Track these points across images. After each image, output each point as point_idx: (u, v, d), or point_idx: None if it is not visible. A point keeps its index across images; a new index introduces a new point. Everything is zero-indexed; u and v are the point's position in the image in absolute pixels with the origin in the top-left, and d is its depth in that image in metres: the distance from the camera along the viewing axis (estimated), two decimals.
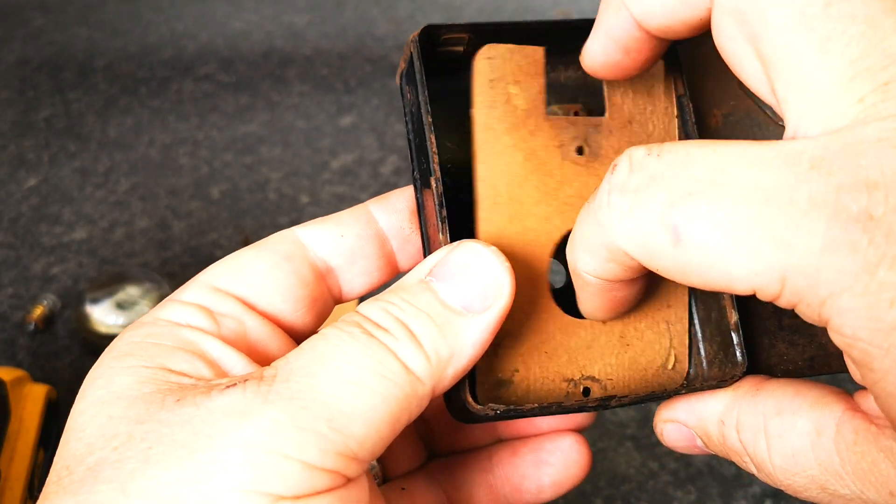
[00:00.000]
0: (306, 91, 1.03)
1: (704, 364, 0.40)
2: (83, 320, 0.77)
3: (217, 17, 1.12)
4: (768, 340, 0.40)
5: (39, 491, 0.63)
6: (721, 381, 0.37)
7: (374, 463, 0.41)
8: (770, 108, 0.43)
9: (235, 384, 0.29)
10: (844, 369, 0.37)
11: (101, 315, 0.77)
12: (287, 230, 0.38)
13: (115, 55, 1.08)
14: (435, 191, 0.36)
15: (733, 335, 0.38)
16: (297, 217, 0.89)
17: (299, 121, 1.00)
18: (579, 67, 0.42)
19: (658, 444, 0.71)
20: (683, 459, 0.71)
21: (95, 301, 0.77)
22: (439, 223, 0.36)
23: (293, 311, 0.36)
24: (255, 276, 0.36)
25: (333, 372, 0.29)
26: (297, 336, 0.37)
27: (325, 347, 0.30)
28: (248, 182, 0.93)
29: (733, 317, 0.38)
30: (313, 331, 0.37)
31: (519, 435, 0.43)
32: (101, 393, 0.31)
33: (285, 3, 1.14)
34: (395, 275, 0.39)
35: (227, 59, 1.07)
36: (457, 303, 0.32)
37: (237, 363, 0.33)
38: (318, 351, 0.30)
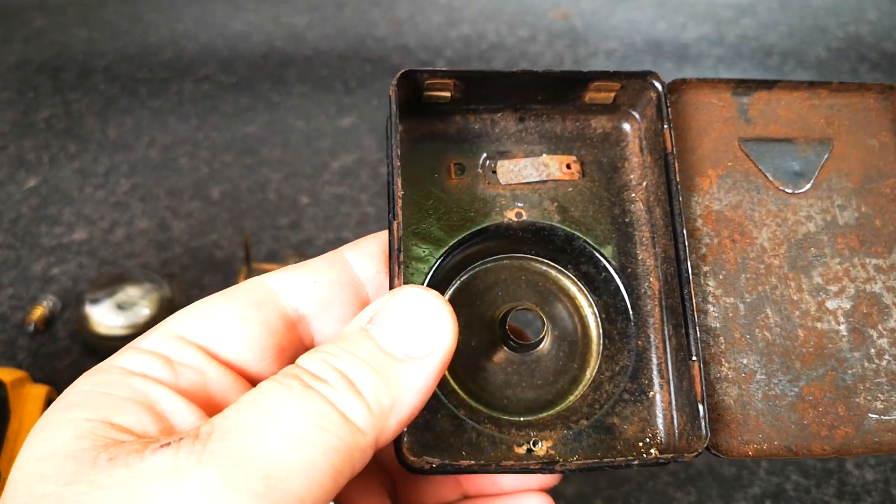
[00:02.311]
0: (306, 92, 1.03)
1: (677, 435, 0.40)
2: (83, 321, 0.77)
3: (217, 19, 1.12)
4: (743, 416, 0.39)
5: None
6: (677, 454, 0.37)
7: None
8: (773, 169, 0.43)
9: (170, 444, 0.28)
10: (826, 454, 0.38)
11: (101, 316, 0.77)
12: (259, 277, 0.37)
13: (116, 56, 1.08)
14: (395, 235, 0.37)
15: (700, 408, 0.38)
16: (296, 217, 0.89)
17: (299, 121, 1.00)
18: (577, 118, 0.43)
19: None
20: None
21: (95, 302, 0.77)
22: (395, 268, 0.36)
23: (259, 360, 0.35)
24: (221, 325, 0.35)
25: (270, 426, 0.28)
26: None
27: (262, 401, 0.29)
28: (248, 183, 0.93)
29: (699, 388, 0.38)
30: None
31: (483, 492, 0.42)
32: (38, 448, 0.30)
33: (285, 4, 1.14)
34: None
35: (227, 60, 1.07)
36: (397, 350, 0.32)
37: (190, 416, 0.32)
38: (254, 405, 0.29)
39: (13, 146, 0.97)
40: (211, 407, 0.33)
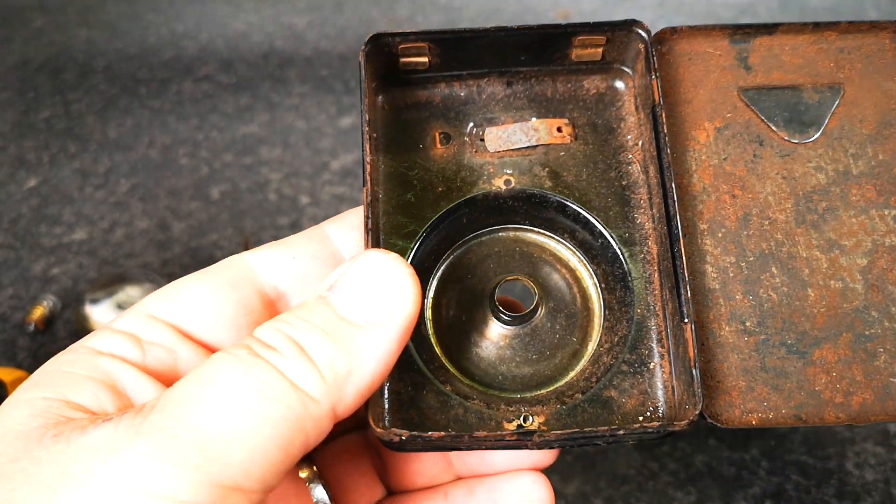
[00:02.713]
0: (306, 92, 1.03)
1: (677, 405, 0.38)
2: (83, 321, 0.77)
3: (217, 19, 1.12)
4: (746, 382, 0.37)
5: None
6: (672, 420, 0.35)
7: (326, 500, 0.39)
8: (777, 118, 0.40)
9: (112, 418, 0.28)
10: (840, 421, 0.35)
11: (101, 316, 0.77)
12: (236, 255, 0.37)
13: (115, 56, 1.08)
14: (364, 199, 0.35)
15: (693, 372, 0.36)
16: (297, 218, 0.89)
17: (299, 121, 1.00)
18: (569, 79, 0.41)
19: (658, 444, 0.71)
20: (683, 460, 0.71)
21: (95, 302, 0.77)
22: (366, 234, 0.35)
23: (235, 338, 0.35)
24: (194, 304, 0.34)
25: (212, 396, 0.27)
26: None
27: (207, 371, 0.28)
28: (248, 183, 0.93)
29: (692, 352, 0.36)
30: None
31: (475, 472, 0.41)
32: None
33: (285, 4, 1.14)
34: None
35: (227, 60, 1.07)
36: (355, 315, 0.30)
37: (153, 394, 0.31)
38: (199, 376, 0.28)
39: (13, 146, 0.97)
40: None
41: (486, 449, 0.37)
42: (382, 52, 0.38)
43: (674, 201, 0.37)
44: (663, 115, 0.38)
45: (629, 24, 0.38)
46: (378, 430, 0.33)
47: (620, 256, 0.40)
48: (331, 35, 1.10)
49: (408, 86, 0.40)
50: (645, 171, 0.40)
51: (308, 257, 0.37)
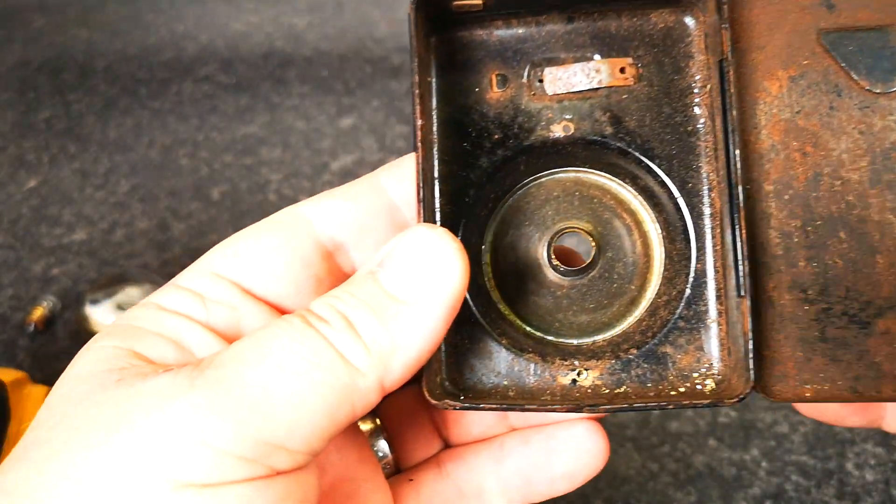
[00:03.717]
0: (306, 92, 1.03)
1: (732, 368, 0.36)
2: (83, 321, 0.77)
3: (217, 19, 1.12)
4: (804, 353, 0.35)
5: None
6: (717, 399, 0.34)
7: (387, 452, 0.40)
8: (859, 65, 0.36)
9: (172, 368, 0.29)
10: None
11: (101, 316, 0.77)
12: (293, 207, 0.37)
13: (116, 56, 1.08)
14: (416, 166, 0.34)
15: (743, 346, 0.34)
16: None
17: (299, 122, 1.00)
18: (634, 13, 0.38)
19: (658, 445, 0.71)
20: (683, 461, 0.71)
21: (95, 302, 0.77)
22: (417, 204, 0.34)
23: (295, 293, 0.35)
24: (256, 261, 0.35)
25: (264, 358, 0.28)
26: None
27: (263, 335, 0.30)
28: (248, 183, 0.93)
29: (747, 326, 0.34)
30: None
31: (529, 423, 0.41)
32: (68, 373, 0.31)
33: (285, 4, 1.14)
34: None
35: (227, 61, 1.07)
36: (400, 292, 0.31)
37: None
38: (255, 338, 0.29)
39: (13, 147, 0.97)
40: None
41: (533, 412, 0.37)
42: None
43: (736, 171, 0.35)
44: (731, 71, 0.35)
45: None
46: (432, 401, 0.33)
47: (683, 208, 0.38)
48: (331, 35, 1.10)
49: (462, 25, 0.38)
50: (712, 119, 0.38)
51: (364, 209, 0.36)
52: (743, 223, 0.34)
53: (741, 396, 0.33)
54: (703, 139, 0.38)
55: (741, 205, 0.34)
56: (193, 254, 0.87)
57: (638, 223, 0.40)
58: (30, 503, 0.27)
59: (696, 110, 0.38)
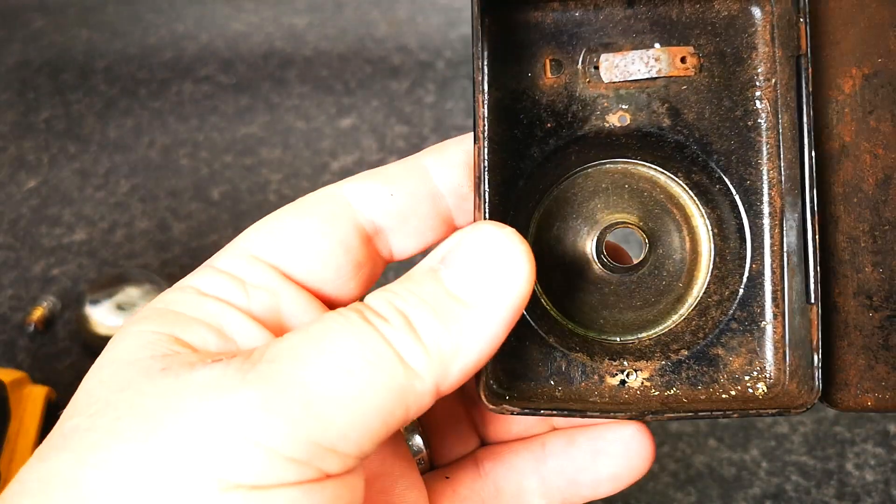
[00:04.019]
0: (306, 93, 1.03)
1: (787, 373, 0.35)
2: (83, 322, 0.77)
3: (217, 19, 1.12)
4: (866, 361, 0.34)
5: None
6: (784, 408, 0.33)
7: (421, 447, 0.39)
8: None
9: (222, 359, 0.28)
10: None
11: (101, 316, 0.77)
12: (333, 186, 0.35)
13: (116, 57, 1.08)
14: (476, 158, 0.32)
15: (813, 356, 0.33)
16: None
17: (299, 122, 1.00)
18: (697, 0, 0.36)
19: (658, 445, 0.71)
20: (684, 461, 0.71)
21: (95, 302, 0.77)
22: (477, 199, 0.32)
23: (335, 279, 0.34)
24: (294, 243, 0.33)
25: (320, 355, 0.27)
26: (341, 304, 0.34)
27: (318, 330, 0.28)
28: (248, 183, 0.93)
29: (816, 335, 0.33)
30: (358, 297, 0.35)
31: (573, 423, 0.39)
32: (105, 356, 0.30)
33: (285, 4, 1.14)
34: (451, 233, 0.36)
35: (227, 61, 1.07)
36: (465, 293, 0.29)
37: (258, 340, 0.31)
38: (310, 333, 0.28)
39: (13, 147, 0.97)
40: (283, 330, 0.32)
41: (594, 418, 0.35)
42: None
43: (812, 174, 0.33)
44: (811, 69, 0.33)
45: None
46: (491, 406, 0.32)
47: (740, 206, 0.37)
48: (331, 36, 1.10)
49: (516, 5, 0.36)
50: (775, 115, 0.36)
51: (406, 194, 0.35)
52: (817, 227, 0.33)
53: (807, 406, 0.32)
54: (763, 135, 0.36)
55: (815, 209, 0.33)
56: (193, 254, 0.88)
57: (687, 219, 0.38)
58: (70, 495, 0.26)
59: (758, 104, 0.36)
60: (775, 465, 0.71)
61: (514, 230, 0.30)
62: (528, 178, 0.36)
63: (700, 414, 0.33)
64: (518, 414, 0.32)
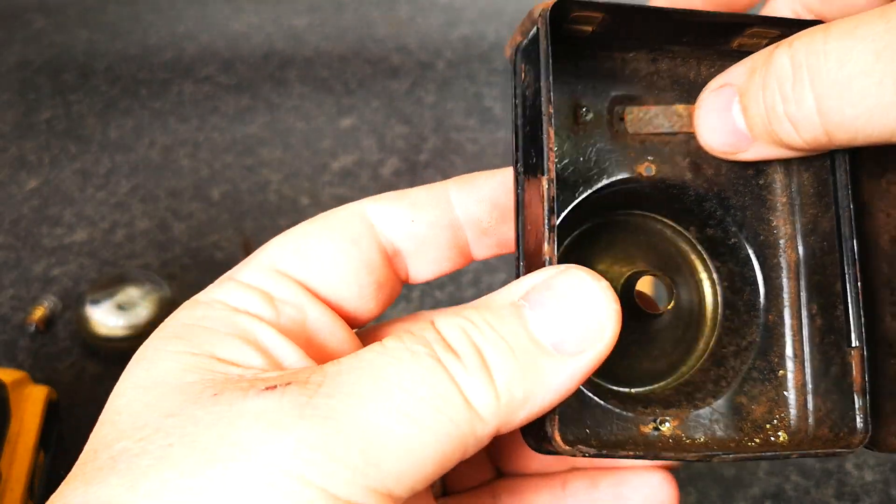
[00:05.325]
0: (306, 93, 1.03)
1: (811, 420, 0.36)
2: (84, 322, 0.77)
3: (217, 19, 1.12)
4: (893, 406, 0.35)
5: (40, 492, 0.63)
6: (837, 448, 0.33)
7: None
8: None
9: (276, 387, 0.27)
10: None
11: (102, 317, 0.77)
12: (356, 205, 0.35)
13: (116, 57, 1.08)
14: (546, 193, 0.32)
15: (857, 399, 0.34)
16: (297, 219, 0.89)
17: (299, 122, 1.00)
18: (714, 64, 0.38)
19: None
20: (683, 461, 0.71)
21: (96, 302, 0.77)
22: (546, 232, 0.31)
23: (357, 297, 0.34)
24: (320, 261, 0.33)
25: (382, 396, 0.26)
26: (359, 323, 0.35)
27: (382, 364, 0.27)
28: (248, 184, 0.93)
29: (859, 378, 0.34)
30: (376, 316, 0.35)
31: (596, 465, 0.39)
32: (142, 376, 0.29)
33: (286, 5, 1.14)
34: (467, 263, 0.36)
35: (227, 61, 1.07)
36: (547, 338, 0.28)
37: (291, 355, 0.30)
38: (372, 366, 0.27)
39: (14, 147, 0.97)
40: (310, 346, 0.32)
41: (665, 460, 0.35)
42: (556, 17, 0.34)
43: (851, 226, 0.35)
44: (847, 161, 0.35)
45: (813, 24, 0.35)
46: (565, 447, 0.30)
47: (753, 260, 0.38)
48: (331, 36, 1.10)
49: (554, 55, 0.36)
50: (788, 176, 0.38)
51: (427, 223, 0.34)
52: (858, 275, 0.34)
53: (854, 448, 0.33)
54: (775, 194, 0.38)
55: (856, 258, 0.34)
56: (194, 254, 0.88)
57: (693, 272, 0.39)
58: None
59: (767, 167, 0.38)
60: (775, 464, 0.71)
61: (607, 283, 0.29)
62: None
63: (766, 455, 0.34)
64: (594, 455, 0.31)
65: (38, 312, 0.80)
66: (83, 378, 0.77)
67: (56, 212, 0.91)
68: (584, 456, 0.31)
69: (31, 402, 0.66)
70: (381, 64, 1.07)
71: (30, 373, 0.70)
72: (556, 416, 0.30)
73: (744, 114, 0.34)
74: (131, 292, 0.78)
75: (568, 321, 0.28)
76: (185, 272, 0.85)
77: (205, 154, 0.96)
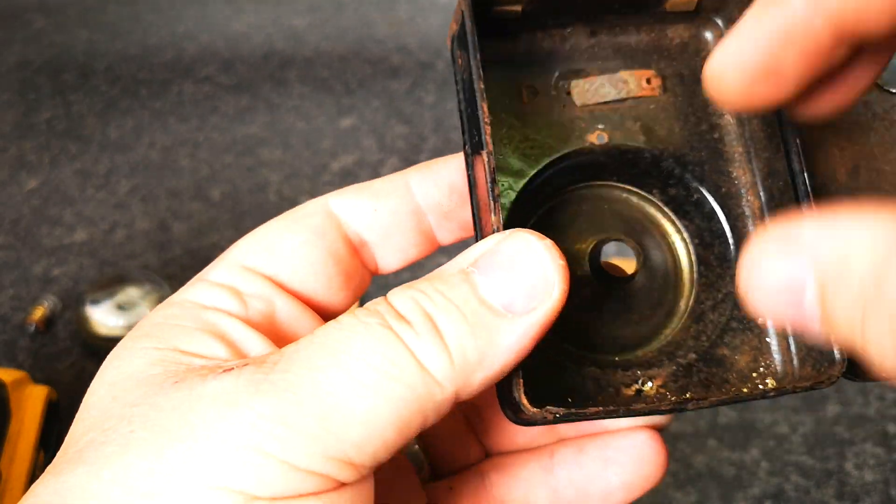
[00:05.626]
0: (306, 93, 1.03)
1: (795, 362, 0.36)
2: (84, 322, 0.77)
3: (217, 20, 1.12)
4: None
5: None
6: (816, 382, 0.33)
7: (420, 456, 0.38)
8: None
9: (233, 368, 0.27)
10: None
11: (102, 316, 0.77)
12: (320, 199, 0.36)
13: (116, 57, 1.08)
14: (487, 166, 0.33)
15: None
16: None
17: (299, 122, 1.00)
18: (653, 28, 0.38)
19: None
20: (683, 461, 0.71)
21: (96, 302, 0.77)
22: (491, 203, 0.32)
23: (326, 288, 0.34)
24: (286, 254, 0.34)
25: (337, 366, 0.27)
26: (331, 314, 0.35)
27: (336, 337, 0.27)
28: (248, 184, 0.93)
29: None
30: (348, 307, 0.35)
31: (582, 433, 0.39)
32: (112, 374, 0.30)
33: (286, 5, 1.14)
34: (433, 250, 0.37)
35: (227, 61, 1.07)
36: (497, 300, 0.29)
37: (258, 346, 0.31)
38: (327, 339, 0.28)
39: (14, 147, 0.97)
40: (279, 338, 0.32)
41: (639, 416, 0.35)
42: (480, 1, 0.35)
43: (800, 159, 0.35)
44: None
45: None
46: (533, 409, 0.31)
47: (718, 212, 0.38)
48: (331, 36, 1.10)
49: (490, 38, 0.37)
50: (740, 125, 0.38)
51: (389, 212, 0.35)
52: (813, 205, 0.35)
53: (834, 378, 0.33)
54: (731, 146, 0.38)
55: (809, 191, 0.35)
56: (193, 254, 0.88)
57: (664, 235, 0.40)
58: None
59: (720, 119, 0.38)
60: (775, 464, 0.71)
61: (552, 242, 0.30)
62: (516, 203, 0.37)
63: (740, 397, 0.34)
64: (564, 417, 0.31)
65: (38, 312, 0.80)
66: (83, 378, 0.77)
67: (56, 212, 0.91)
68: (555, 417, 0.31)
69: (31, 402, 0.66)
70: (381, 64, 1.07)
71: (30, 373, 0.70)
72: (521, 380, 0.30)
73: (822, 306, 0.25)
74: (131, 292, 0.78)
75: (516, 281, 0.29)
76: (184, 272, 0.85)
77: (205, 154, 0.96)
